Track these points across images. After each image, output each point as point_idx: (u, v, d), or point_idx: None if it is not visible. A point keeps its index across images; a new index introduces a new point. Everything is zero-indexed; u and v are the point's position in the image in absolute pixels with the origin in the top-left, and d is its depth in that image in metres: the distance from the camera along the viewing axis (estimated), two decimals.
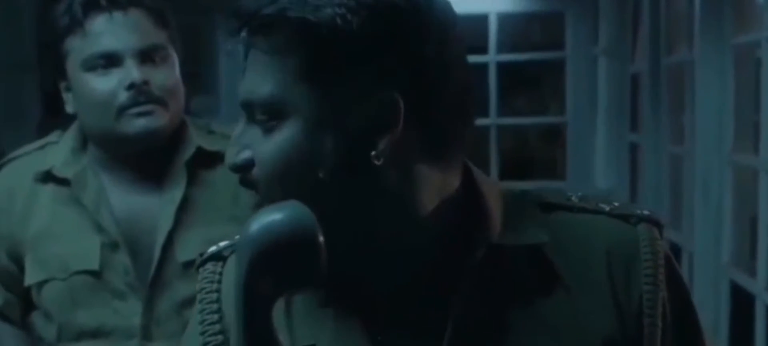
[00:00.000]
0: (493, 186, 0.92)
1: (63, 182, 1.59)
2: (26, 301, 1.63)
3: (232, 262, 0.95)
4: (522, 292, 0.87)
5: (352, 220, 0.79)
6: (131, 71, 1.51)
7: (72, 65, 1.55)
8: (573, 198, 0.92)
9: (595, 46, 3.90)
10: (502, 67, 3.99)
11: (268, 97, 0.82)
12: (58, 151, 1.62)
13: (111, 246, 1.56)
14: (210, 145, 1.60)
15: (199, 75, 4.47)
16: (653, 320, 0.88)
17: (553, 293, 0.87)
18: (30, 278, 1.60)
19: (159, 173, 1.59)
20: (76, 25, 1.53)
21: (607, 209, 0.91)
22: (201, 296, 0.95)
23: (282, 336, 0.77)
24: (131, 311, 1.55)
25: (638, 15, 3.55)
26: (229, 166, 0.86)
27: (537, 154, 4.98)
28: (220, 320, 0.93)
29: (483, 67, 3.96)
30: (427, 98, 0.83)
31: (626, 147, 3.74)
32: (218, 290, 0.94)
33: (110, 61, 1.52)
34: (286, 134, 0.82)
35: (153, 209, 1.57)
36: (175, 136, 1.59)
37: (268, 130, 0.83)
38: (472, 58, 3.56)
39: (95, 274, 1.55)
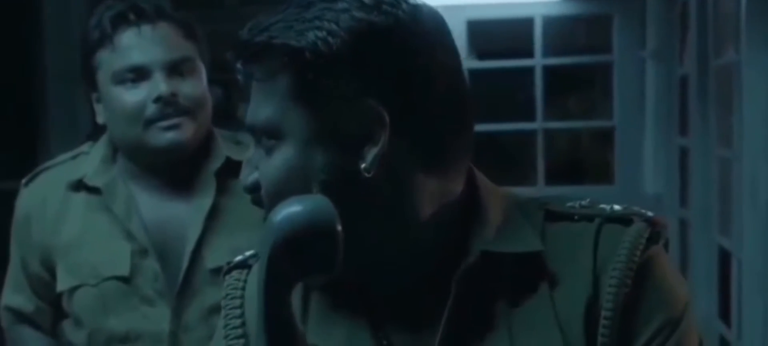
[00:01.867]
0: (496, 193, 0.94)
1: (94, 190, 1.63)
2: (57, 308, 1.68)
3: (256, 270, 0.99)
4: (511, 298, 0.88)
5: (349, 230, 0.81)
6: (159, 84, 1.55)
7: (102, 78, 1.59)
8: (576, 206, 0.92)
9: (642, 49, 3.84)
10: (550, 70, 3.96)
11: (266, 120, 0.88)
12: (89, 160, 1.67)
13: (141, 253, 1.59)
14: (238, 155, 1.62)
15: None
16: (607, 314, 0.86)
17: (542, 300, 0.88)
18: (62, 285, 1.64)
19: (188, 181, 1.62)
20: (105, 39, 1.57)
21: (607, 212, 0.91)
22: (225, 303, 1.00)
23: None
24: (160, 317, 1.58)
25: (686, 16, 3.49)
26: (242, 188, 0.93)
27: (589, 158, 4.92)
28: (242, 326, 0.97)
29: (529, 71, 3.94)
30: (414, 108, 0.86)
31: (675, 151, 3.67)
32: (242, 297, 0.99)
33: (139, 74, 1.56)
34: (282, 154, 0.87)
35: (182, 216, 1.61)
36: (204, 146, 1.63)
37: (268, 152, 0.88)
38: (518, 62, 3.54)
39: (125, 280, 1.59)
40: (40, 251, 1.66)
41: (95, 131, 1.77)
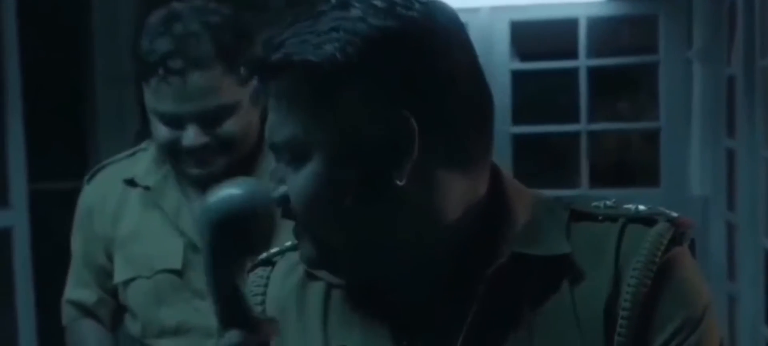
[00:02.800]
0: (522, 193, 0.93)
1: (146, 188, 1.69)
2: (118, 300, 1.73)
3: (279, 266, 1.01)
4: (533, 300, 0.87)
5: (379, 236, 0.82)
6: (189, 135, 1.57)
7: (147, 101, 1.62)
8: (601, 206, 0.91)
9: (689, 50, 3.79)
10: (594, 72, 3.93)
11: (289, 138, 0.87)
12: (144, 158, 1.72)
13: (192, 247, 1.62)
14: None
15: None
16: (625, 313, 0.85)
17: (563, 301, 0.87)
18: (118, 276, 1.69)
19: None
20: (147, 74, 1.58)
21: (631, 213, 0.90)
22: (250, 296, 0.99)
23: (318, 332, 0.90)
24: (210, 311, 1.59)
25: (733, 16, 3.44)
26: (272, 202, 0.91)
27: (634, 160, 4.87)
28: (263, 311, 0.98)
29: (573, 73, 3.91)
30: (438, 110, 0.85)
31: (722, 153, 3.62)
32: (264, 293, 1.00)
33: (172, 122, 1.58)
34: (310, 170, 0.86)
35: None
36: (255, 146, 1.65)
37: (295, 168, 0.87)
38: (563, 63, 3.51)
39: (178, 273, 1.63)
40: (103, 242, 1.72)
41: (144, 128, 1.79)
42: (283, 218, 0.91)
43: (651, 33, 3.93)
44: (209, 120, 1.57)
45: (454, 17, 0.88)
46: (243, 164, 1.62)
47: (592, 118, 3.99)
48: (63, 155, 3.94)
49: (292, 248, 1.01)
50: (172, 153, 1.60)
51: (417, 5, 0.85)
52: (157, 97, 1.57)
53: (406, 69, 0.84)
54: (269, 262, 1.02)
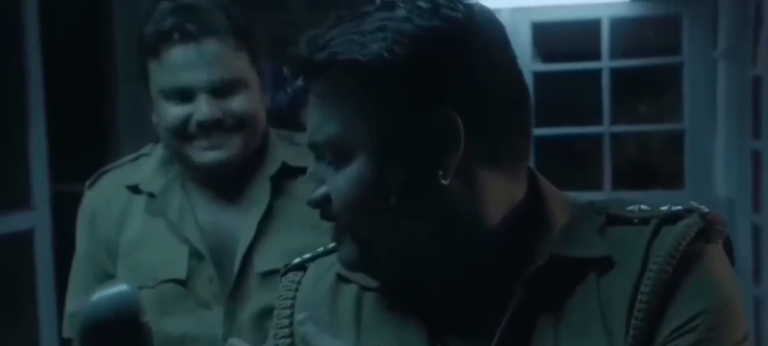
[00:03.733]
0: (558, 196, 0.93)
1: (150, 194, 1.64)
2: None
3: (311, 271, 1.01)
4: (574, 303, 0.87)
5: (421, 236, 0.82)
6: (202, 107, 1.52)
7: (153, 87, 1.57)
8: (636, 210, 0.91)
9: (713, 50, 3.75)
10: (617, 73, 3.89)
11: (332, 137, 0.86)
12: (148, 163, 1.67)
13: (197, 256, 1.59)
14: (294, 160, 1.61)
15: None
16: (644, 298, 0.84)
17: (595, 303, 0.86)
18: None
19: (244, 185, 1.61)
20: (154, 52, 1.54)
21: (664, 213, 0.89)
22: (278, 303, 1.01)
23: (351, 335, 0.90)
24: (216, 321, 1.58)
25: (759, 16, 3.40)
26: (309, 203, 0.91)
27: (658, 162, 4.83)
28: (290, 325, 0.98)
29: (596, 74, 3.88)
30: (481, 110, 0.85)
31: (748, 154, 3.58)
32: (293, 298, 1.00)
33: (183, 94, 1.53)
34: (354, 170, 0.86)
35: (236, 220, 1.60)
36: (259, 151, 1.61)
37: (337, 167, 0.87)
38: (585, 65, 3.49)
39: (182, 283, 1.58)
40: (106, 246, 1.67)
41: None
42: (322, 220, 0.90)
43: (675, 34, 3.89)
44: (221, 92, 1.53)
45: (494, 19, 0.89)
46: (252, 159, 1.59)
47: (615, 120, 3.96)
48: (85, 157, 3.94)
49: (325, 254, 1.01)
50: (183, 136, 1.54)
51: (460, 6, 0.86)
52: (168, 70, 1.53)
53: (451, 68, 0.84)
54: (302, 267, 1.02)
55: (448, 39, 0.84)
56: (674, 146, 4.27)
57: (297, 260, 1.03)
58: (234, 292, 1.57)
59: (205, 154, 1.54)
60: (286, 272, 1.03)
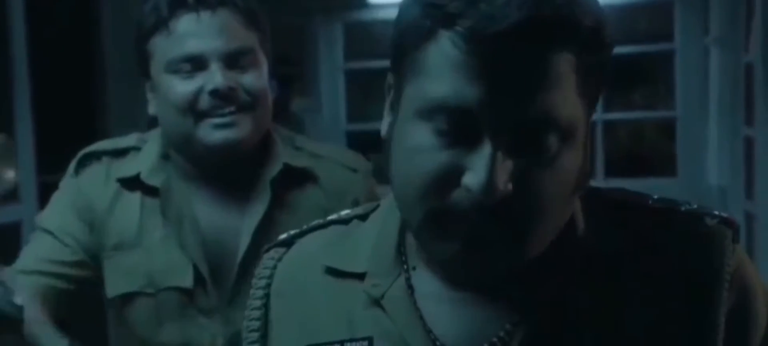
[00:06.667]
0: None
1: (150, 190, 1.54)
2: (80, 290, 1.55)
3: (295, 252, 0.95)
4: (599, 294, 0.82)
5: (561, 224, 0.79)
6: (215, 76, 1.45)
7: (156, 66, 1.49)
8: (646, 198, 0.88)
9: (706, 36, 3.74)
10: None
11: (567, 119, 0.74)
12: (144, 156, 1.57)
13: (197, 262, 1.51)
14: (296, 161, 1.54)
15: (300, 77, 4.51)
16: (722, 327, 0.82)
17: (627, 298, 0.82)
18: (113, 289, 1.54)
19: (244, 187, 1.54)
20: (161, 24, 1.47)
21: (682, 208, 0.86)
22: (255, 282, 0.95)
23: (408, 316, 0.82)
24: (216, 329, 1.51)
25: (751, 2, 3.38)
26: (480, 201, 0.74)
27: (651, 150, 4.82)
28: (263, 307, 0.93)
29: None
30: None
31: (740, 141, 3.56)
32: (271, 277, 0.94)
33: (195, 64, 1.46)
34: (570, 157, 0.76)
35: (235, 225, 1.52)
36: (262, 149, 1.54)
37: (552, 157, 0.75)
38: None
39: (186, 292, 1.51)
40: (89, 229, 1.54)
41: (153, 124, 1.63)
42: (482, 224, 0.76)
43: (667, 21, 3.88)
44: (234, 62, 1.46)
45: None
46: (253, 156, 1.52)
47: (608, 107, 3.94)
48: (73, 148, 3.92)
49: (316, 228, 0.95)
50: (191, 112, 1.45)
51: None
52: (178, 40, 1.46)
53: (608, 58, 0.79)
54: (287, 242, 0.95)
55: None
56: (667, 134, 4.26)
57: (284, 236, 0.96)
58: (232, 299, 1.50)
59: (215, 133, 1.46)
60: (269, 249, 0.97)
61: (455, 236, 0.76)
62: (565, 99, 0.74)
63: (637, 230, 0.85)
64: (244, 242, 1.51)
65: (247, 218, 1.52)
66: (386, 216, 0.90)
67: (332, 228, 0.95)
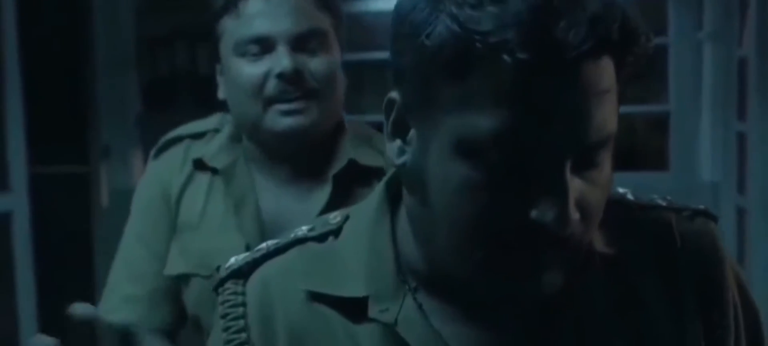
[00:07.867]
0: None
1: (214, 171, 1.52)
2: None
3: (254, 279, 0.89)
4: (606, 299, 0.83)
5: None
6: (282, 59, 1.41)
7: (225, 48, 1.46)
8: (628, 196, 0.88)
9: (699, 31, 3.73)
10: None
11: (614, 130, 0.74)
12: (218, 138, 1.54)
13: (252, 247, 1.46)
14: (364, 159, 1.49)
15: None
16: (726, 322, 0.84)
17: (644, 305, 0.83)
18: (171, 268, 1.52)
19: (308, 178, 1.50)
20: (230, 4, 1.44)
21: (664, 204, 0.87)
22: (225, 324, 0.89)
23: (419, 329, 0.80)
24: None
25: None
26: (564, 231, 0.73)
27: (643, 144, 4.82)
28: (247, 341, 0.87)
29: None
30: None
31: (733, 136, 3.57)
32: (244, 314, 0.88)
33: (262, 46, 1.42)
34: (609, 165, 0.76)
35: (294, 215, 1.46)
36: (331, 140, 1.50)
37: (595, 175, 0.74)
38: None
39: None
40: (166, 225, 1.54)
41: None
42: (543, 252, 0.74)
43: (660, 14, 3.87)
44: (302, 45, 1.42)
45: None
46: (319, 148, 1.48)
47: None
48: (63, 139, 3.91)
49: (271, 255, 0.90)
50: (258, 98, 1.41)
51: None
52: (247, 22, 1.42)
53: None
54: (240, 273, 0.90)
55: None
56: (659, 128, 4.26)
57: (231, 265, 0.90)
58: None
59: (281, 120, 1.42)
60: (222, 283, 0.90)
61: (521, 269, 0.74)
62: (613, 111, 0.73)
63: (638, 230, 0.85)
64: None
65: (305, 211, 1.45)
66: (372, 231, 0.85)
67: (305, 247, 0.90)
